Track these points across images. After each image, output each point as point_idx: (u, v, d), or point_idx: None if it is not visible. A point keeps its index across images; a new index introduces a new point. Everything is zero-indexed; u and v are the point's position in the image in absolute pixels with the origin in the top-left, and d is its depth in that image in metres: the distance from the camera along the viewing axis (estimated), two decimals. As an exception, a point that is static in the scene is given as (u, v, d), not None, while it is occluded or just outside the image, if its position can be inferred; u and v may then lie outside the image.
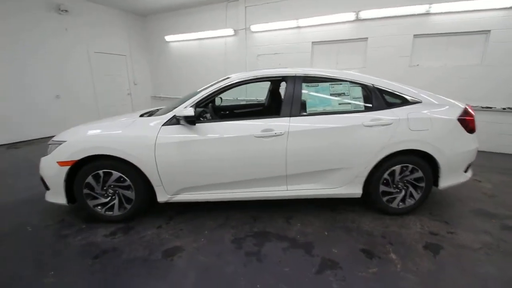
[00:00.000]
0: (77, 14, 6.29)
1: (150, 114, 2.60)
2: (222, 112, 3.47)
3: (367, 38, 5.29)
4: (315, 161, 2.27)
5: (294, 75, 2.38)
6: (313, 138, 2.21)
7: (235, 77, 2.37)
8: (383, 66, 5.22)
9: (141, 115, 2.53)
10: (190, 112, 2.04)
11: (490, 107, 4.55)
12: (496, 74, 4.50)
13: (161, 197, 2.30)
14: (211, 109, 2.61)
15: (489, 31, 4.44)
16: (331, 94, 2.33)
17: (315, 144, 2.22)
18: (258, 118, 2.26)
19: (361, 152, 2.25)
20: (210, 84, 2.48)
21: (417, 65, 5.07)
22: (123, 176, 2.21)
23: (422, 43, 4.98)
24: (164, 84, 8.34)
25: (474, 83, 4.66)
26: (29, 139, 5.75)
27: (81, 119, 5.45)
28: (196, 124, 2.17)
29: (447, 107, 2.37)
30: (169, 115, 2.23)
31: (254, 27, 6.22)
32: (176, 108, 2.25)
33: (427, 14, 4.77)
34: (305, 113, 2.28)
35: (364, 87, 2.34)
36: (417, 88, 2.45)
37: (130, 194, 2.27)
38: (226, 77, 2.48)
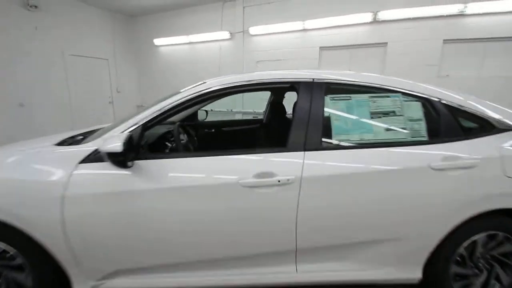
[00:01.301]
0: (50, 11, 5.46)
1: (83, 138, 1.65)
2: (204, 131, 2.54)
3: (386, 43, 4.46)
4: (345, 228, 1.33)
5: (311, 80, 1.45)
6: (343, 189, 1.28)
7: (212, 84, 1.45)
8: (405, 76, 4.32)
9: (61, 143, 1.52)
10: (116, 146, 1.09)
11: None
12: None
13: (79, 285, 1.34)
14: (178, 130, 1.67)
15: (540, 36, 3.63)
16: (371, 114, 1.41)
17: (345, 199, 1.28)
18: (250, 153, 1.33)
19: (425, 213, 1.31)
20: (174, 93, 1.55)
21: (447, 75, 4.23)
22: (10, 249, 1.26)
23: (453, 50, 4.15)
24: (153, 92, 7.45)
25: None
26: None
27: (50, 132, 4.50)
28: (139, 162, 1.23)
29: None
30: (93, 144, 1.30)
31: (253, 30, 5.41)
32: (108, 133, 1.32)
33: (461, 15, 3.95)
34: (329, 145, 1.36)
35: (427, 102, 1.43)
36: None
37: (24, 278, 1.31)
38: (201, 82, 1.56)
